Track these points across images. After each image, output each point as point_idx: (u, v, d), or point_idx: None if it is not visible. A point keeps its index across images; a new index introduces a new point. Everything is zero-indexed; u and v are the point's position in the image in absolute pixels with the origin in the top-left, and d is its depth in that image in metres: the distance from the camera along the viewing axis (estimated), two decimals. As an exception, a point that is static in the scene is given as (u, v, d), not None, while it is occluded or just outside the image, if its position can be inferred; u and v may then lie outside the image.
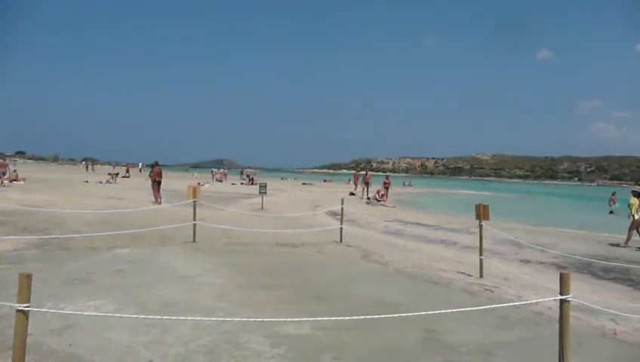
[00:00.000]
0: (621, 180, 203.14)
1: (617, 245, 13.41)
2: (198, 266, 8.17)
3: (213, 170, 56.89)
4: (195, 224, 10.66)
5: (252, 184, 41.99)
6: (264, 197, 20.67)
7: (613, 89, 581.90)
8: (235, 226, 12.57)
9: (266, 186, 21.57)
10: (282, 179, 69.57)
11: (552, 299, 3.64)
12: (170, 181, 36.95)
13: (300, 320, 5.16)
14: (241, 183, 44.51)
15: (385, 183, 29.07)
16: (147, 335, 4.77)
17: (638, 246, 13.24)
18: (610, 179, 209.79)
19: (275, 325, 5.13)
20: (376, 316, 4.23)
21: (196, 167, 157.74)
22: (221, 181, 47.92)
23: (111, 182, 34.49)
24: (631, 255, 11.89)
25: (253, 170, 57.09)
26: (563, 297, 3.31)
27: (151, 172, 20.88)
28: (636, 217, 13.41)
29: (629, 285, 8.65)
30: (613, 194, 32.90)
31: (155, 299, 6.08)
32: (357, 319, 4.03)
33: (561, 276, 3.34)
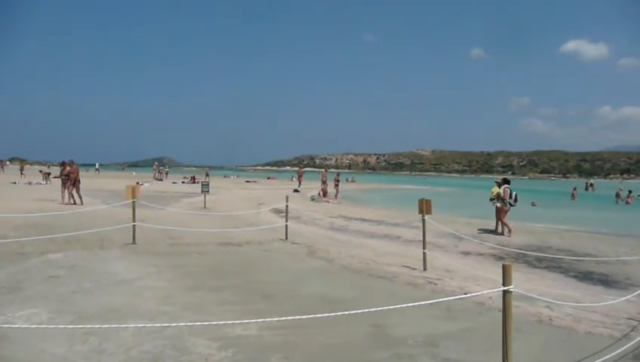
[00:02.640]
0: (550, 173, 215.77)
1: (500, 234, 13.96)
2: (139, 269, 7.86)
3: (156, 163, 55.09)
4: (134, 225, 10.27)
5: (194, 182, 41.09)
6: (207, 196, 20.26)
7: (541, 86, 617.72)
8: (178, 226, 12.23)
9: (208, 185, 21.16)
10: (225, 177, 68.44)
11: (496, 291, 3.76)
12: (107, 181, 35.54)
13: (247, 322, 5.06)
14: (182, 182, 43.40)
15: (335, 180, 29.49)
16: (85, 344, 4.52)
17: (492, 230, 14.35)
18: (541, 173, 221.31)
19: (221, 327, 5.00)
20: (325, 314, 4.21)
21: (134, 166, 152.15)
22: (161, 180, 46.52)
23: (42, 183, 32.68)
24: (560, 244, 12.54)
25: (207, 168, 55.40)
26: (506, 288, 3.42)
27: (62, 170, 18.49)
28: (498, 205, 14.15)
29: (560, 273, 9.14)
30: (574, 189, 38.94)
31: (93, 305, 5.78)
32: (305, 318, 3.99)
33: (504, 268, 3.44)
